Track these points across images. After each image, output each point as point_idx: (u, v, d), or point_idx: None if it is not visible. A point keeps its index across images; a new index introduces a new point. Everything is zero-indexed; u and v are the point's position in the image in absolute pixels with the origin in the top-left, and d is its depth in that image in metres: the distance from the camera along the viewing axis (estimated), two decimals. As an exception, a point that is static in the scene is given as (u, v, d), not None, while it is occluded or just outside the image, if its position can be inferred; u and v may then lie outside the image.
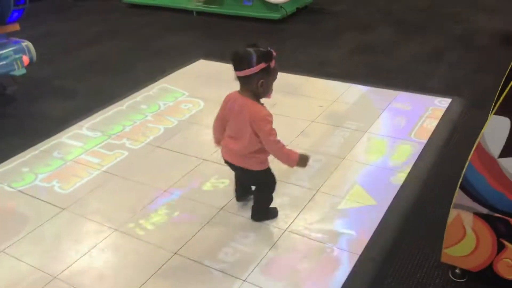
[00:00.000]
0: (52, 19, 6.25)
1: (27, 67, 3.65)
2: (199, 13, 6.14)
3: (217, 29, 5.67)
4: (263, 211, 2.48)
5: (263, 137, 2.15)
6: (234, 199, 2.61)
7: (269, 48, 2.12)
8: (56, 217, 2.55)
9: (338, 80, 4.07)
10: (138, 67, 4.61)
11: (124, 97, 3.94)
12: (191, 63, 4.61)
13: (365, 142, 3.15)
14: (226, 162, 2.36)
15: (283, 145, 2.19)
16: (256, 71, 2.07)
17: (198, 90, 4.02)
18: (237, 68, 2.12)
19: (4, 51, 3.54)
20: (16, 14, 3.67)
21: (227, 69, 4.39)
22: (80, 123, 3.53)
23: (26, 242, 2.39)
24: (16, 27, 3.81)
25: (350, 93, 3.86)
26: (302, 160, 2.22)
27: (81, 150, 3.19)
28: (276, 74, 2.17)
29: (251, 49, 2.07)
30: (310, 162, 2.30)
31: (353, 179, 2.77)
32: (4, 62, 3.46)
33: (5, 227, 2.50)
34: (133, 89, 4.09)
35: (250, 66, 2.06)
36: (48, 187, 2.81)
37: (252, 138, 2.16)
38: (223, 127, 2.32)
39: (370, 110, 3.57)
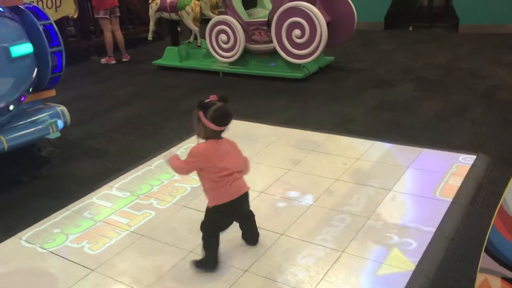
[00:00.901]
0: (85, 82, 6.59)
1: (61, 130, 3.83)
2: (225, 73, 6.38)
3: (242, 88, 5.87)
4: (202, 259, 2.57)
5: None
6: (259, 261, 2.63)
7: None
8: (84, 279, 2.61)
9: (361, 138, 4.12)
10: (166, 127, 4.77)
11: (153, 157, 4.07)
12: (217, 122, 4.75)
13: (389, 200, 3.15)
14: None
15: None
16: None
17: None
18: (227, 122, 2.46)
19: (40, 116, 3.75)
20: (52, 81, 3.91)
21: (252, 127, 4.51)
22: (110, 184, 3.65)
23: (55, 304, 2.43)
24: (52, 92, 4.05)
25: (374, 150, 3.89)
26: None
27: (111, 210, 3.28)
28: None
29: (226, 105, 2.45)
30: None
31: (380, 240, 2.75)
32: (40, 127, 3.65)
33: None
34: (161, 148, 4.23)
35: None
36: (77, 248, 2.88)
37: None
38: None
39: (394, 168, 3.58)
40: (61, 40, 3.80)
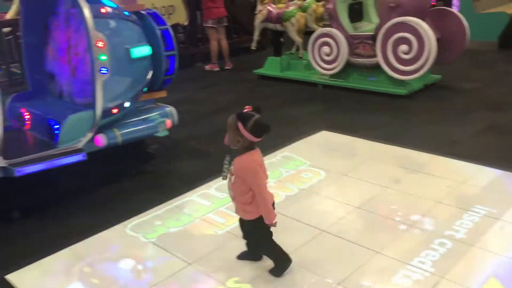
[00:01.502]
0: (190, 87, 6.91)
1: (169, 129, 4.05)
2: (325, 86, 6.36)
3: (341, 102, 5.81)
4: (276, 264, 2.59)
5: None
6: (352, 275, 2.57)
7: None
8: (181, 272, 2.72)
9: (467, 161, 3.89)
10: (264, 135, 4.85)
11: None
12: (315, 133, 4.75)
13: (498, 230, 2.94)
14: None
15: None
16: None
17: (319, 160, 4.11)
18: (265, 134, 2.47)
19: (152, 114, 3.99)
20: (164, 82, 4.15)
21: (350, 141, 4.44)
22: (210, 183, 3.79)
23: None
24: (163, 93, 4.30)
25: (481, 175, 3.65)
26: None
27: (209, 209, 3.40)
28: None
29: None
30: None
31: (486, 271, 2.57)
32: (151, 124, 3.89)
33: (134, 276, 2.72)
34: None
35: None
36: (176, 241, 3.02)
37: None
38: None
39: (503, 196, 3.33)
40: (175, 45, 4.03)
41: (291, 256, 2.64)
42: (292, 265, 2.63)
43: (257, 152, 2.51)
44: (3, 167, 3.11)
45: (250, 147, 2.49)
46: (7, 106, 3.99)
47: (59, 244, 3.05)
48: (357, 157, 4.13)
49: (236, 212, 2.60)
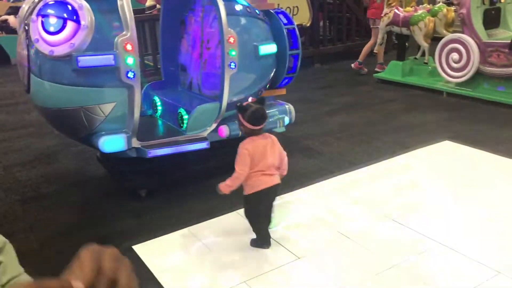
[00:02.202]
0: (306, 87, 6.96)
1: (286, 126, 4.14)
2: (450, 94, 6.04)
3: (466, 112, 5.47)
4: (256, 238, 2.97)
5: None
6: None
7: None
8: (290, 265, 2.79)
9: None
10: (379, 139, 4.76)
11: (364, 165, 4.11)
12: (435, 143, 4.54)
13: None
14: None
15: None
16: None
17: (439, 171, 3.93)
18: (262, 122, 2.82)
19: (271, 110, 4.10)
20: (286, 80, 4.25)
21: (474, 154, 4.20)
22: (322, 183, 3.82)
23: (270, 277, 2.66)
24: (283, 91, 4.41)
25: None
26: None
27: (320, 207, 3.43)
28: None
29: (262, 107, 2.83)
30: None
31: None
32: (270, 120, 4.00)
33: (245, 263, 2.84)
34: (372, 159, 4.24)
35: None
36: (287, 235, 3.09)
37: None
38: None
39: None
40: (300, 44, 4.11)
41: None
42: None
43: (254, 137, 2.80)
44: (137, 148, 3.42)
45: (251, 133, 2.81)
46: (142, 94, 4.37)
47: (179, 223, 3.29)
48: (481, 172, 3.88)
49: None
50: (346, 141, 4.79)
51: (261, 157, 2.76)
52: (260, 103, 2.85)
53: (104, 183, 4.05)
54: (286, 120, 4.12)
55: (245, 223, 3.25)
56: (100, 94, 3.17)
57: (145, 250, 3.03)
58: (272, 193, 2.86)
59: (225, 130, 3.73)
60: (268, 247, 2.94)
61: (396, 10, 6.66)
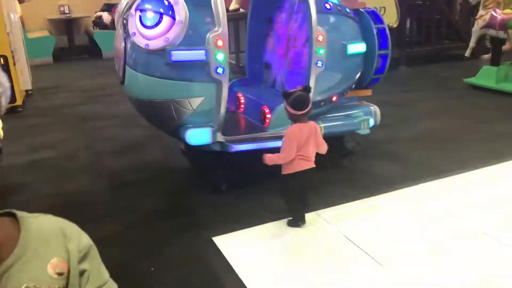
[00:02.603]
0: (392, 89, 6.72)
1: (370, 129, 4.02)
2: (550, 103, 5.58)
3: None
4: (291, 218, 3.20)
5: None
6: None
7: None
8: (371, 270, 2.69)
9: None
10: (471, 147, 4.49)
11: (453, 173, 3.90)
12: (533, 154, 4.21)
13: None
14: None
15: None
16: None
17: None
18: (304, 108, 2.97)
19: (355, 111, 4.00)
20: (372, 81, 4.13)
21: None
22: (405, 189, 3.66)
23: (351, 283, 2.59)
24: (369, 92, 4.29)
25: None
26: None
27: (403, 214, 3.29)
28: None
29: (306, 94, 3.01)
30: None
31: None
32: (354, 121, 3.91)
33: (323, 268, 2.79)
34: (462, 168, 4.00)
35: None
36: (367, 240, 2.99)
37: None
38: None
39: None
40: (390, 44, 3.97)
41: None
42: None
43: (301, 125, 2.97)
44: (221, 142, 3.47)
45: (295, 119, 3.00)
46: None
47: (258, 218, 3.30)
48: None
49: None
50: (433, 147, 4.57)
51: (304, 144, 2.97)
52: (305, 90, 3.02)
53: (186, 175, 4.16)
54: (371, 122, 3.99)
55: (324, 225, 3.20)
56: (190, 88, 3.25)
57: (224, 242, 3.06)
58: (307, 175, 3.06)
59: (307, 129, 3.68)
60: (302, 225, 3.15)
61: (493, 12, 6.26)
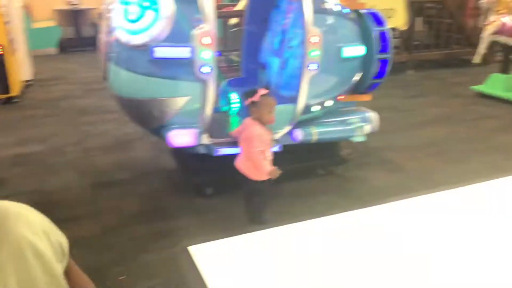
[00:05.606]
0: (395, 94, 6.52)
1: (367, 136, 3.83)
2: (560, 115, 5.35)
3: None
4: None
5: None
6: None
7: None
8: None
9: None
10: (472, 159, 4.29)
11: (453, 186, 3.69)
12: (538, 169, 3.99)
13: None
14: None
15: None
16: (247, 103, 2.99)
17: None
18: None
19: (351, 117, 3.82)
20: (371, 86, 3.94)
21: None
22: (403, 201, 3.47)
23: None
24: (367, 97, 4.09)
25: None
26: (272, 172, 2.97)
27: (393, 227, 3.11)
28: (265, 106, 2.94)
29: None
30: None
31: None
32: (349, 127, 3.73)
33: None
34: (463, 181, 3.79)
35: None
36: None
37: None
38: None
39: None
40: (391, 48, 3.78)
41: None
42: None
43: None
44: (207, 145, 3.31)
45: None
46: (221, 89, 4.27)
47: (243, 226, 3.14)
48: None
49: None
50: (434, 157, 4.37)
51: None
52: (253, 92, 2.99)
53: (173, 177, 4.01)
54: (367, 128, 3.80)
55: (311, 236, 3.03)
56: (174, 86, 3.10)
57: (200, 252, 2.90)
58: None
59: (299, 134, 3.52)
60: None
61: (503, 19, 6.02)
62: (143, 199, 3.64)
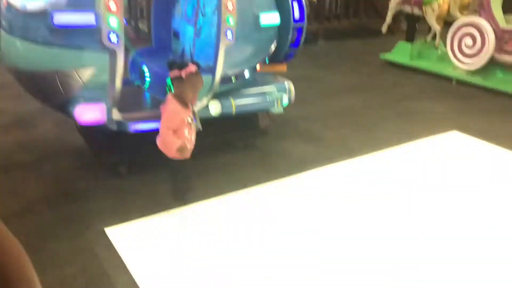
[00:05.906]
0: (308, 65, 6.56)
1: (284, 107, 3.79)
2: (459, 82, 5.69)
3: (477, 102, 5.14)
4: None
5: None
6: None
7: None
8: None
9: None
10: (383, 126, 4.44)
11: (365, 153, 3.80)
12: (442, 133, 4.23)
13: None
14: None
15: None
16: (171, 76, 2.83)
17: (446, 164, 3.63)
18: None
19: (269, 89, 3.75)
20: (287, 55, 3.88)
21: (486, 148, 3.83)
22: (320, 169, 3.51)
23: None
24: (284, 67, 4.05)
25: None
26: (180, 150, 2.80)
27: (312, 194, 3.14)
28: (190, 85, 2.80)
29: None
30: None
31: None
32: (268, 99, 3.66)
33: (222, 264, 2.55)
34: (375, 146, 3.93)
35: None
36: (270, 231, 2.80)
37: None
38: None
39: None
40: (306, 17, 3.73)
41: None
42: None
43: None
44: (118, 121, 3.08)
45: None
46: (130, 60, 4.00)
47: (160, 205, 2.99)
48: (493, 167, 3.58)
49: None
50: (348, 126, 4.46)
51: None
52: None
53: (82, 156, 3.70)
54: (285, 99, 3.76)
55: (230, 211, 2.96)
56: (77, 57, 2.81)
57: (118, 234, 2.73)
58: None
59: (216, 107, 3.39)
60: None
61: (408, -12, 6.25)
62: (49, 182, 3.34)
